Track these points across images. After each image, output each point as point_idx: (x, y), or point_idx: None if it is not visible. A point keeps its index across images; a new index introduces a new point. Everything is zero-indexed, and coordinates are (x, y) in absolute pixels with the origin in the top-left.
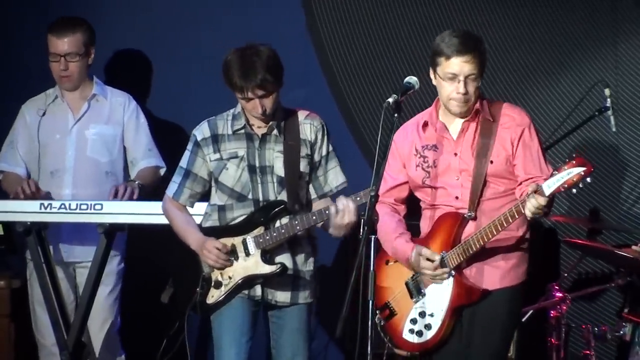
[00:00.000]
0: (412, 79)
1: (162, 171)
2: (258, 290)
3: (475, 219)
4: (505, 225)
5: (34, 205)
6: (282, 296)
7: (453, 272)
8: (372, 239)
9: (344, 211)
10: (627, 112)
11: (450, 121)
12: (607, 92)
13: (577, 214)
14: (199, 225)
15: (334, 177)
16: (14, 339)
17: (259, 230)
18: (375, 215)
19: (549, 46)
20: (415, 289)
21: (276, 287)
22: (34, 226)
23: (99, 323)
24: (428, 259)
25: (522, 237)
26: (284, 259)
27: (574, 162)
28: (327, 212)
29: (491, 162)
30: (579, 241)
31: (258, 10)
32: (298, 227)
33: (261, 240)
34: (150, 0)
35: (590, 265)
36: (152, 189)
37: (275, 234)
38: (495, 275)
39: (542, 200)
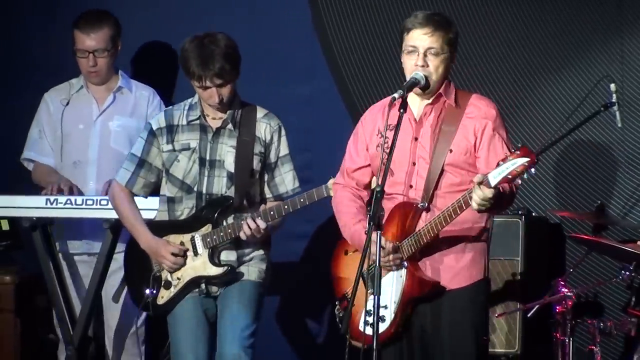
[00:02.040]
0: (418, 74)
1: None
2: (202, 286)
3: (428, 209)
4: (453, 215)
5: (39, 200)
6: (224, 286)
7: (406, 264)
8: (378, 234)
9: (252, 233)
10: (632, 107)
11: (415, 104)
12: (612, 87)
13: (582, 209)
14: (150, 220)
15: (291, 179)
16: (19, 334)
17: (207, 228)
18: (382, 211)
19: (554, 42)
20: (371, 280)
21: (219, 284)
22: (39, 222)
23: (112, 318)
24: (382, 247)
25: (476, 237)
26: (229, 254)
27: (519, 152)
28: (272, 212)
29: (450, 150)
30: (585, 237)
31: (263, 5)
32: (242, 234)
33: (208, 239)
34: None
35: (595, 261)
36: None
37: (222, 234)
38: (445, 275)
39: (487, 192)
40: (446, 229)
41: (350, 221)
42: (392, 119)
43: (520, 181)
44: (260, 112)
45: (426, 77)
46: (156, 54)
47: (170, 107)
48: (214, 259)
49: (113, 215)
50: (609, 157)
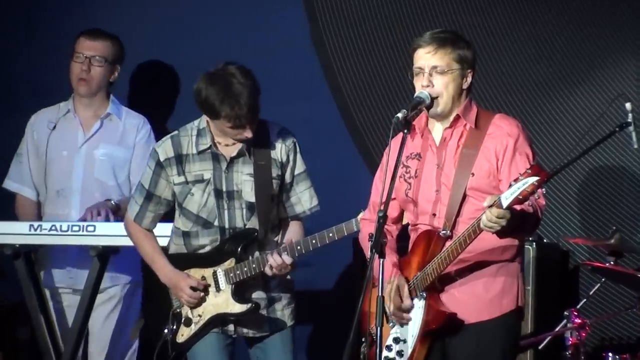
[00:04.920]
0: (423, 93)
1: None
2: (231, 326)
3: (452, 237)
4: (468, 241)
5: (22, 226)
6: (257, 328)
7: (424, 294)
8: (381, 262)
9: (279, 268)
10: None
11: (436, 129)
12: (628, 106)
13: (596, 235)
14: (165, 250)
15: (308, 198)
16: None
17: (230, 262)
18: (384, 237)
19: (567, 58)
20: (380, 312)
21: (250, 324)
22: (22, 249)
23: (97, 351)
24: (397, 294)
25: (509, 261)
26: (257, 294)
27: (530, 171)
28: (299, 247)
29: (472, 174)
30: (599, 264)
31: (259, 20)
32: (268, 268)
33: (232, 274)
34: (151, 13)
35: (611, 290)
36: None
37: (246, 269)
38: (473, 305)
39: (495, 213)
40: (475, 254)
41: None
42: (414, 147)
43: (544, 202)
44: (273, 130)
45: (431, 97)
46: (153, 76)
47: (176, 132)
48: (237, 295)
49: (100, 242)
50: (625, 180)
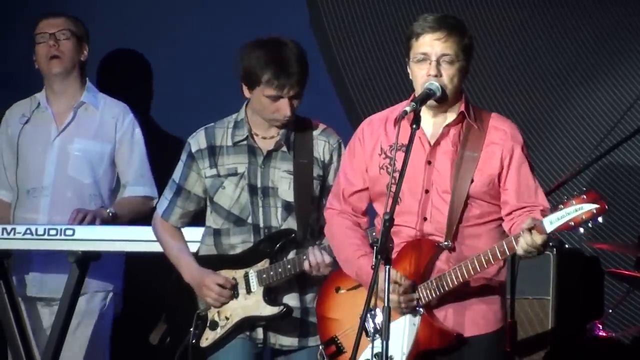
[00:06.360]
0: (433, 85)
1: (154, 202)
2: (260, 332)
3: (453, 249)
4: (493, 261)
5: None
6: (287, 340)
7: (422, 310)
8: (387, 268)
9: (317, 266)
10: None
11: (429, 122)
12: None
13: (623, 240)
14: (195, 254)
15: None
16: None
17: (264, 263)
18: (389, 242)
19: (590, 48)
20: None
21: (281, 330)
22: None
23: None
24: (396, 282)
25: (499, 271)
26: (291, 298)
27: (585, 197)
28: None
29: (472, 180)
30: (626, 272)
31: (256, 4)
32: (307, 263)
33: (264, 275)
34: None
35: (638, 300)
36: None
37: (280, 270)
38: (474, 319)
39: (538, 239)
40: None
41: (354, 254)
42: (401, 137)
43: (583, 230)
44: (317, 128)
45: (442, 88)
46: (134, 62)
47: (212, 124)
48: (269, 297)
49: (79, 247)
50: None
